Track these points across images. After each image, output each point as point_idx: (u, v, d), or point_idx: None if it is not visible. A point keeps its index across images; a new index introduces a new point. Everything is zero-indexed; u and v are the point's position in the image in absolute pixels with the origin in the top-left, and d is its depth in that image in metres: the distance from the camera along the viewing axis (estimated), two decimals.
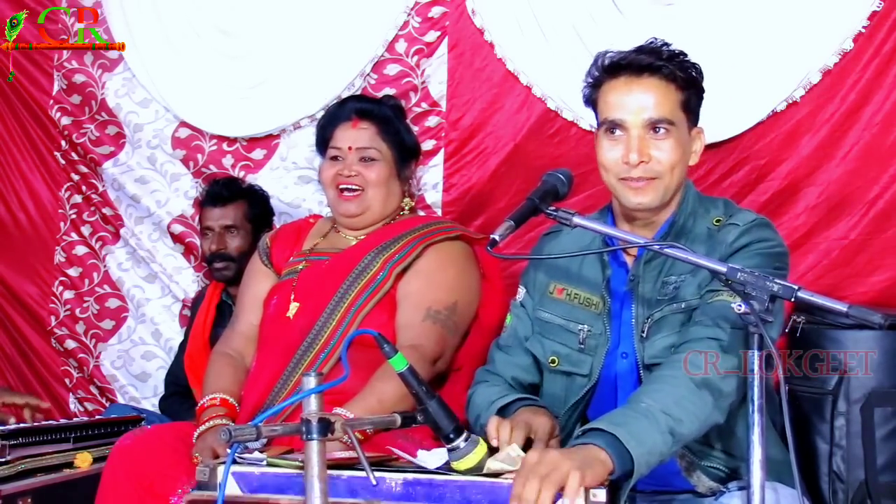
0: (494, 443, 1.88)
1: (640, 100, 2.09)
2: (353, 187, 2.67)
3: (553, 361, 2.22)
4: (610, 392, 2.16)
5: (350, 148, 2.68)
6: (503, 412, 2.11)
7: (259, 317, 2.68)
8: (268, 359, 2.57)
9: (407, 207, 2.78)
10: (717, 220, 2.16)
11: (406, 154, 2.76)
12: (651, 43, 2.15)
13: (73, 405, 3.86)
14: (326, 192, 2.74)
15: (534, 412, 2.08)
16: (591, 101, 2.19)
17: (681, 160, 2.12)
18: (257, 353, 2.62)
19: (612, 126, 2.12)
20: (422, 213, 3.16)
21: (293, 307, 2.59)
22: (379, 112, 2.74)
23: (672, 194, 2.14)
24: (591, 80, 2.17)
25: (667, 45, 2.15)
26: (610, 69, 2.13)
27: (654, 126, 2.09)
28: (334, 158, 2.70)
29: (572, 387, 2.19)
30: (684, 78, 2.11)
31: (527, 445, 1.93)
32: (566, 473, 1.66)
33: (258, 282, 2.75)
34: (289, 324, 2.57)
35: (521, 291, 2.34)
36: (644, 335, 2.11)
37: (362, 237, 2.70)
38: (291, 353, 2.52)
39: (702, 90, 2.17)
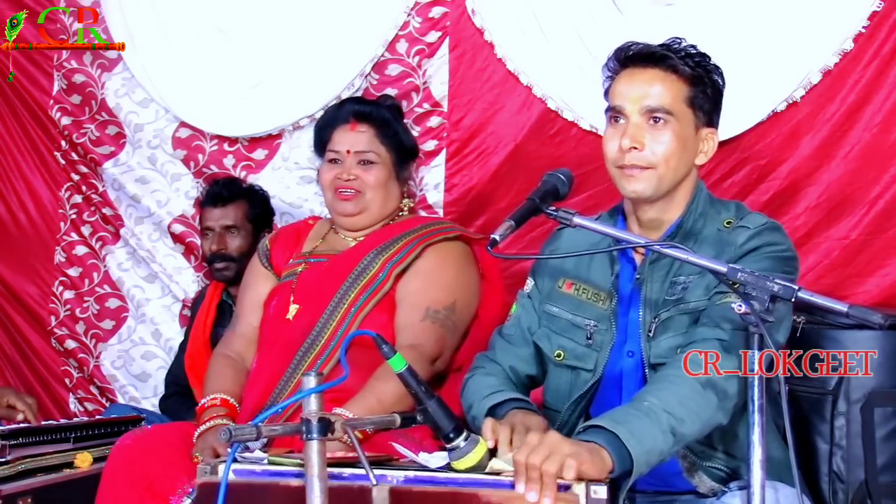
0: (491, 444, 1.87)
1: (641, 88, 2.10)
2: (352, 190, 2.67)
3: (559, 355, 2.22)
4: (615, 390, 2.16)
5: (348, 151, 2.67)
6: (494, 411, 2.11)
7: (259, 319, 2.68)
8: (268, 360, 2.56)
9: (406, 208, 2.77)
10: (728, 222, 2.15)
11: (404, 155, 2.76)
12: (671, 41, 2.15)
13: (73, 405, 3.86)
14: (325, 194, 2.74)
15: (525, 414, 2.08)
16: (607, 92, 2.19)
17: (678, 154, 2.10)
18: (258, 355, 2.62)
19: (613, 113, 2.14)
20: (423, 214, 3.15)
21: (293, 309, 2.59)
22: (377, 114, 2.73)
23: (670, 187, 2.12)
24: (607, 73, 2.19)
25: (692, 46, 2.15)
26: (622, 60, 2.15)
27: (652, 115, 2.09)
28: (333, 161, 2.70)
29: (577, 381, 2.18)
30: (692, 73, 2.10)
31: None
32: (567, 454, 1.67)
33: (258, 284, 2.75)
34: (289, 325, 2.57)
35: (530, 283, 2.33)
36: (651, 334, 2.10)
37: (361, 238, 2.69)
38: (292, 354, 2.52)
39: (717, 92, 2.16)
